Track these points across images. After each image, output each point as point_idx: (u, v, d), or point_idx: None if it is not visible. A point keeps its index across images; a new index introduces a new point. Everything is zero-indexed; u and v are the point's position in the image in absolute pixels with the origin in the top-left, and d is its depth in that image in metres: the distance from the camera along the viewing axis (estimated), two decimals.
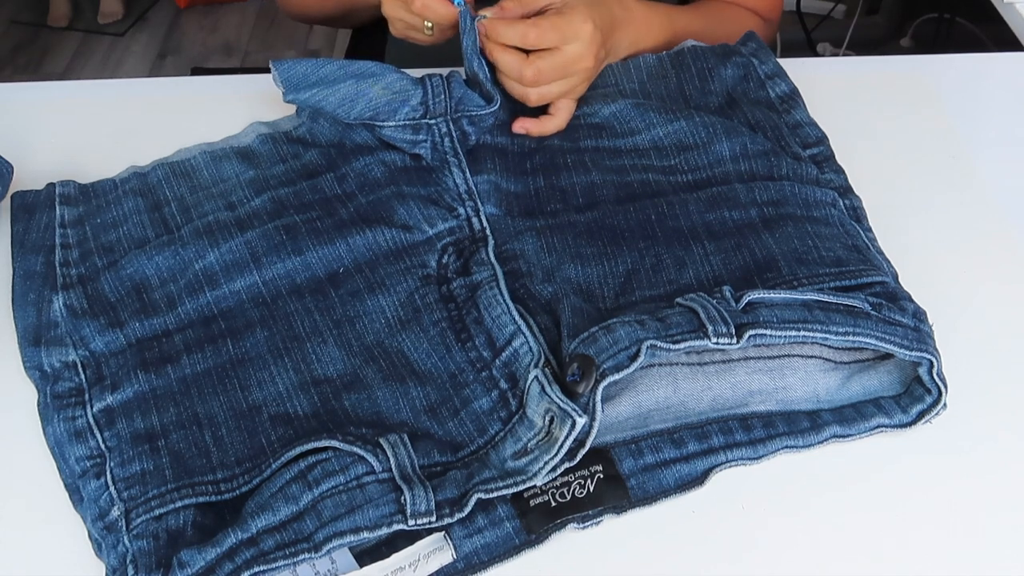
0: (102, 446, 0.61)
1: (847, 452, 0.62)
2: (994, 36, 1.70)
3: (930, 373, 0.61)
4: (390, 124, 0.75)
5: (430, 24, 0.77)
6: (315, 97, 0.77)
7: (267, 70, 0.79)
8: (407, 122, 0.75)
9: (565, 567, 0.57)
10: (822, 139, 0.79)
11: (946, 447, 0.62)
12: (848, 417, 0.62)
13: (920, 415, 0.62)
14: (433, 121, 0.76)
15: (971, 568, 0.56)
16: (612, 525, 0.59)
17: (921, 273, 0.70)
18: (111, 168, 0.80)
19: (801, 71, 0.83)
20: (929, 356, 0.60)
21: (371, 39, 1.16)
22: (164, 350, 0.66)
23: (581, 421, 0.56)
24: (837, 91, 0.86)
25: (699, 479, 0.60)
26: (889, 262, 0.69)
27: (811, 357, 0.64)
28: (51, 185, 0.78)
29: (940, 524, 0.58)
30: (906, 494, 0.60)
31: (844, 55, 2.09)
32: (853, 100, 0.86)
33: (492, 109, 0.75)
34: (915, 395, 0.62)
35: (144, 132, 0.85)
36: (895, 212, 0.76)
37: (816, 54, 2.17)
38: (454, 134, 0.76)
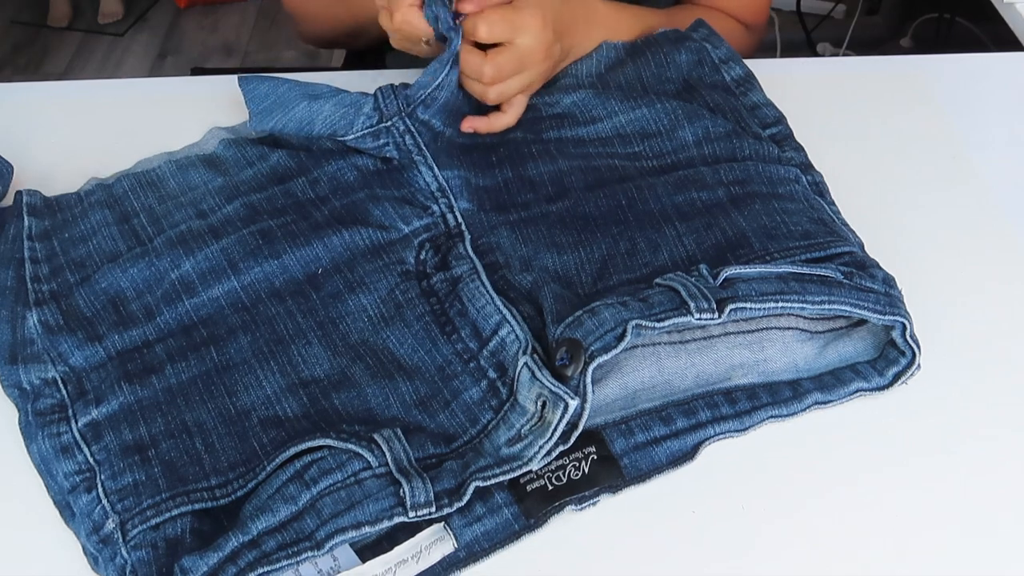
0: (90, 460, 0.60)
1: (847, 451, 0.62)
2: (994, 36, 1.70)
3: (903, 336, 0.63)
4: (350, 137, 0.75)
5: (425, 37, 0.77)
6: (277, 125, 0.77)
7: (267, 70, 0.79)
8: (365, 131, 0.75)
9: (565, 568, 0.57)
10: (780, 119, 0.80)
11: (946, 446, 0.62)
12: (828, 384, 0.64)
13: (896, 377, 0.64)
14: (389, 123, 0.75)
15: (971, 566, 0.57)
16: (611, 523, 0.59)
17: (920, 273, 0.70)
18: (111, 168, 0.80)
19: (801, 71, 0.83)
20: (902, 319, 0.62)
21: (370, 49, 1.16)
22: (147, 361, 0.65)
23: (574, 403, 0.56)
24: (837, 91, 0.86)
25: (690, 454, 0.61)
26: (854, 232, 0.71)
27: (788, 328, 0.65)
28: (19, 193, 0.77)
29: (940, 523, 0.58)
30: (906, 493, 0.60)
31: (844, 55, 2.09)
32: (853, 100, 0.86)
33: (436, 83, 0.75)
34: (890, 358, 0.64)
35: (144, 132, 0.85)
36: (895, 212, 0.76)
37: (816, 54, 2.17)
38: (413, 129, 0.76)
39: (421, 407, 0.62)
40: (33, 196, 0.77)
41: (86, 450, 0.61)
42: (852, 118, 0.84)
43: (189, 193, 0.77)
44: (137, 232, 0.74)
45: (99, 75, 2.52)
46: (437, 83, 0.75)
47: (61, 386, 0.65)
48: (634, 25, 0.87)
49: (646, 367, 0.64)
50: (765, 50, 0.83)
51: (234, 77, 0.86)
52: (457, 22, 0.74)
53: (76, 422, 0.62)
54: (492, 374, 0.63)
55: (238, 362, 0.65)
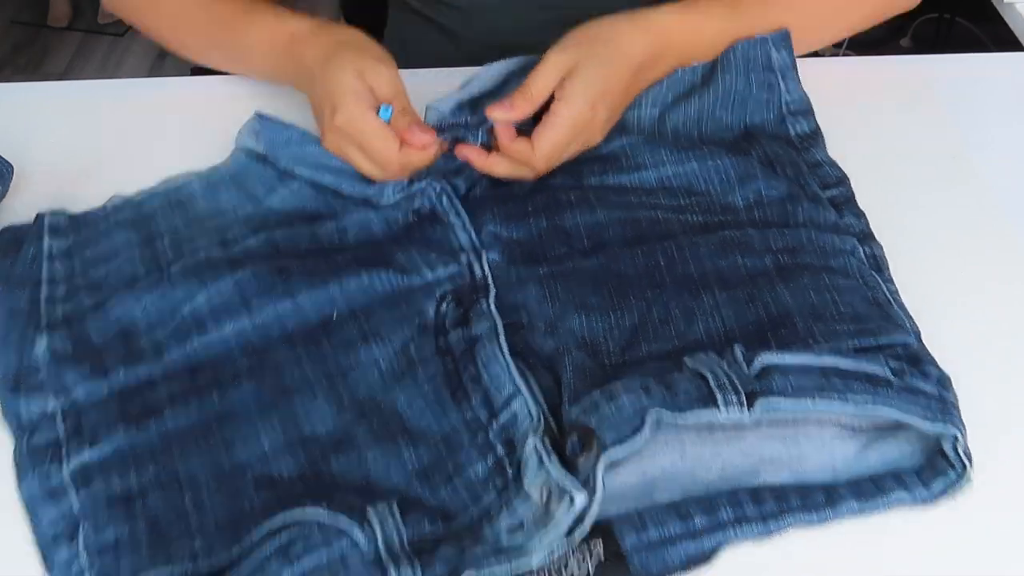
0: (75, 509, 0.58)
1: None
2: (994, 36, 1.70)
3: (954, 448, 0.57)
4: (383, 204, 0.74)
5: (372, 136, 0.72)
6: (304, 173, 0.76)
7: None
8: (398, 196, 0.74)
9: None
10: (842, 179, 0.75)
11: None
12: (866, 491, 0.58)
13: (943, 491, 0.58)
14: (424, 183, 0.73)
15: (970, 565, 0.57)
16: None
17: (920, 273, 0.70)
18: (111, 168, 0.80)
19: (801, 71, 0.82)
20: (954, 430, 0.56)
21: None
22: (147, 402, 0.63)
23: (580, 498, 0.52)
24: (837, 91, 0.86)
25: (707, 556, 0.56)
26: (911, 318, 0.65)
27: (827, 423, 0.60)
28: (40, 216, 0.75)
29: (940, 523, 0.58)
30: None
31: (844, 55, 2.09)
32: (853, 100, 0.86)
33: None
34: (938, 469, 0.58)
35: (144, 132, 0.85)
36: (894, 212, 0.75)
37: (816, 54, 2.17)
38: (448, 191, 0.73)
39: (423, 478, 0.59)
40: (56, 216, 0.75)
41: (73, 497, 0.59)
42: (852, 118, 0.83)
43: (217, 218, 0.75)
44: (158, 256, 0.72)
45: (99, 75, 2.52)
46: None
47: (59, 421, 0.63)
48: (717, 39, 0.80)
49: (667, 453, 0.58)
50: None
51: (234, 77, 0.86)
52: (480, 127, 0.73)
53: (68, 463, 0.60)
54: (500, 450, 0.59)
55: (239, 411, 0.62)
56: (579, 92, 0.71)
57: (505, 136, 0.71)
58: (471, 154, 0.72)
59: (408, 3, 1.08)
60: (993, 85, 0.89)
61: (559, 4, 1.00)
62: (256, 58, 0.82)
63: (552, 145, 0.71)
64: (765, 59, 0.79)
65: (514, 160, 0.72)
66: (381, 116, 0.71)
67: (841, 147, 0.78)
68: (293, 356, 0.65)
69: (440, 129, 0.73)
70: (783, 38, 0.80)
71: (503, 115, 0.71)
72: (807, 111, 0.80)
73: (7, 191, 0.78)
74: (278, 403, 0.63)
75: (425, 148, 0.71)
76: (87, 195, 0.79)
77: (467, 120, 0.74)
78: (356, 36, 0.76)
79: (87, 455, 0.61)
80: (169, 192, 0.77)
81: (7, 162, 0.78)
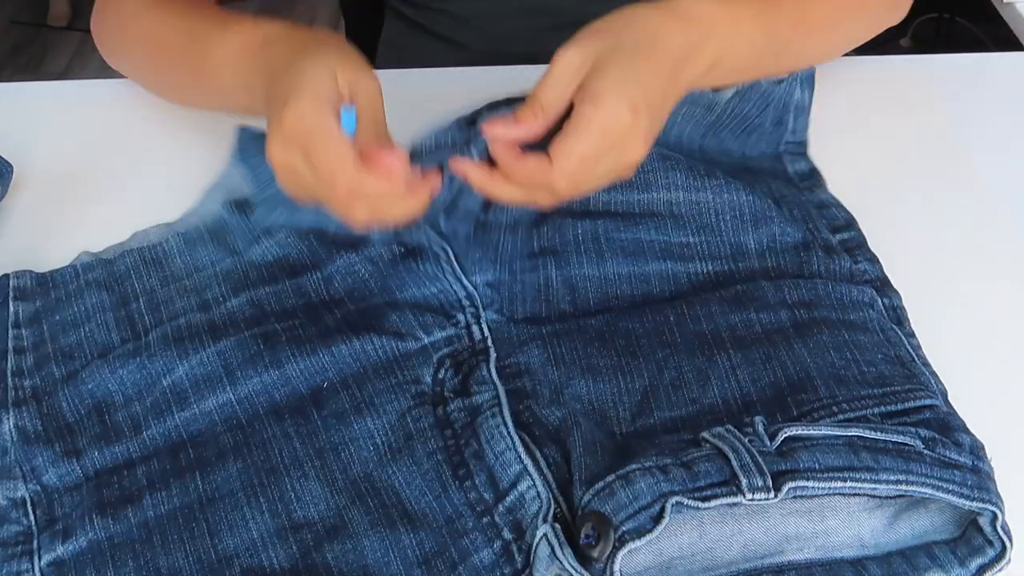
0: None
1: None
2: (994, 36, 1.70)
3: (992, 525, 0.53)
4: (368, 242, 0.69)
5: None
6: (282, 221, 0.70)
7: None
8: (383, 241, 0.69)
9: None
10: (851, 222, 0.71)
11: None
12: (898, 570, 0.55)
13: (981, 569, 0.54)
14: (415, 227, 0.67)
15: None
16: None
17: (920, 273, 0.70)
18: (111, 168, 0.80)
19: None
20: (992, 507, 0.53)
21: (362, 44, 1.16)
22: (125, 487, 0.58)
23: None
24: (837, 91, 0.86)
25: None
26: (936, 376, 0.62)
27: (854, 494, 0.56)
28: (4, 277, 0.70)
29: None
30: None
31: (844, 55, 2.09)
32: (853, 100, 0.86)
33: (453, 195, 0.63)
34: (974, 545, 0.54)
35: (144, 132, 0.85)
36: (894, 212, 0.76)
37: None
38: (440, 237, 0.68)
39: (424, 567, 0.55)
40: (22, 278, 0.70)
41: None
42: (851, 118, 0.83)
43: (196, 275, 0.70)
44: (134, 321, 0.67)
45: (99, 75, 2.51)
46: (454, 194, 0.65)
47: (30, 509, 0.58)
48: (755, 34, 0.67)
49: (686, 532, 0.55)
50: None
51: None
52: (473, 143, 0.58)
53: (40, 559, 0.56)
54: (507, 535, 0.55)
55: (225, 494, 0.58)
56: (610, 89, 0.54)
57: (507, 155, 0.56)
58: (469, 170, 0.58)
59: (404, 12, 1.05)
60: (993, 85, 0.89)
61: (561, 12, 0.99)
62: (227, 75, 0.69)
63: (579, 158, 0.55)
64: (787, 96, 0.76)
65: (526, 183, 0.57)
66: (342, 123, 0.56)
67: (840, 147, 0.78)
68: (281, 431, 0.60)
69: (419, 154, 0.59)
70: (808, 78, 0.77)
71: (506, 133, 0.56)
72: (803, 153, 0.77)
73: (7, 191, 0.78)
74: (267, 485, 0.58)
75: (389, 174, 0.55)
76: (87, 195, 0.79)
77: (453, 140, 0.61)
78: (337, 39, 0.64)
79: (60, 550, 0.56)
80: (143, 250, 0.72)
81: (7, 162, 0.79)
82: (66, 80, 0.92)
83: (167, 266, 0.71)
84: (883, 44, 0.81)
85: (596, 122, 0.54)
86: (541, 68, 0.65)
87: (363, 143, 0.56)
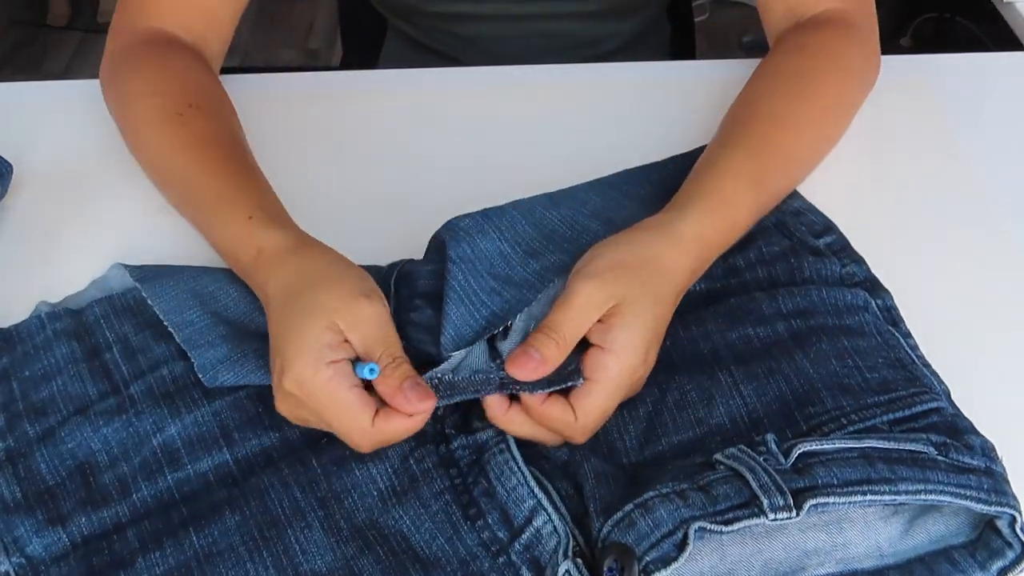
0: None
1: None
2: (994, 36, 1.70)
3: (1011, 527, 0.53)
4: None
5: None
6: (242, 380, 0.61)
7: (268, 69, 0.76)
8: None
9: None
10: (829, 226, 0.71)
11: None
12: None
13: (1002, 572, 0.54)
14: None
15: None
16: None
17: (920, 273, 0.70)
18: (111, 168, 0.80)
19: None
20: (1010, 511, 0.53)
21: (364, 52, 1.16)
22: (116, 551, 0.55)
23: None
24: None
25: None
26: (937, 375, 0.62)
27: (871, 505, 0.56)
28: None
29: None
30: None
31: None
32: None
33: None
34: (993, 548, 0.54)
35: None
36: (895, 212, 0.76)
37: None
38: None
39: None
40: None
41: None
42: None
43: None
44: (110, 371, 0.63)
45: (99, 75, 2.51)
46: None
47: None
48: (751, 221, 0.68)
49: (706, 555, 0.54)
50: (764, 50, 0.83)
51: (235, 77, 0.85)
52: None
53: None
54: (526, 574, 0.53)
55: (223, 549, 0.55)
56: (630, 341, 0.57)
57: (534, 400, 0.56)
58: (491, 402, 0.57)
59: (407, 31, 1.06)
60: (993, 85, 0.89)
61: (563, 34, 1.00)
62: (227, 257, 0.67)
63: (601, 412, 0.57)
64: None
65: (547, 426, 0.57)
66: (360, 374, 0.55)
67: (840, 146, 0.78)
68: (279, 480, 0.57)
69: (446, 385, 0.57)
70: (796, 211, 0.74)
71: (530, 375, 0.55)
72: None
73: (7, 191, 0.78)
74: (268, 538, 0.55)
75: (412, 420, 0.55)
76: (87, 195, 0.79)
77: (473, 373, 0.58)
78: (334, 265, 0.61)
79: None
80: (113, 299, 0.68)
81: (7, 162, 0.78)
82: (66, 80, 0.92)
83: (140, 314, 0.67)
84: (883, 44, 0.81)
85: (616, 377, 0.56)
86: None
87: (385, 390, 0.56)
